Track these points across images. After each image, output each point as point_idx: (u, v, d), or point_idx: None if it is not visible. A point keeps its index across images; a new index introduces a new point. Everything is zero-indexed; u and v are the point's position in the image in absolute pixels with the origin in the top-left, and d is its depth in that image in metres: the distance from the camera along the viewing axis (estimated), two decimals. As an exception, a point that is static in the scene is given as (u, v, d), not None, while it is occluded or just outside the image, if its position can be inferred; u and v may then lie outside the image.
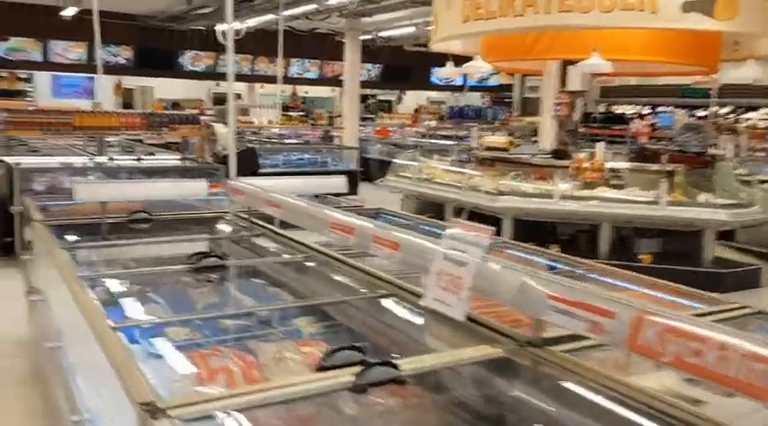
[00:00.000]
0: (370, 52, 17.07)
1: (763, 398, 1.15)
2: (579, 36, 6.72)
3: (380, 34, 16.04)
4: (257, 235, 3.31)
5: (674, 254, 6.27)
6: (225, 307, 2.39)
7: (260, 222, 3.51)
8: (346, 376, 1.52)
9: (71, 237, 3.31)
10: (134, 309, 2.32)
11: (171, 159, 7.94)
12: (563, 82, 7.70)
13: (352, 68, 13.98)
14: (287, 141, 12.04)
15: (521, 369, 1.72)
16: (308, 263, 2.75)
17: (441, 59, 20.38)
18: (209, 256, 2.57)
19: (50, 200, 5.83)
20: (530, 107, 16.87)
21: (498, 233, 6.30)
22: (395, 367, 1.57)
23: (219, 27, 13.94)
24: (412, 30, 14.31)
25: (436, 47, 7.66)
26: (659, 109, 15.94)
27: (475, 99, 20.85)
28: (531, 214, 6.19)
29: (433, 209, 7.41)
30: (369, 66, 18.70)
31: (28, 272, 3.96)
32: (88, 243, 3.15)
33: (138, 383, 1.44)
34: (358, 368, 1.53)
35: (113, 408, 1.79)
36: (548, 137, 9.04)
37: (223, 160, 7.13)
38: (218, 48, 16.99)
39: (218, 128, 7.22)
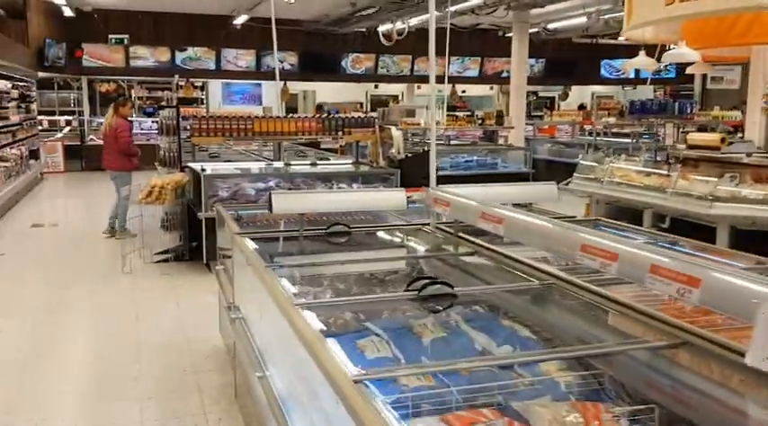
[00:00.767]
0: (533, 46, 16.29)
1: None
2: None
3: (548, 26, 15.22)
4: (470, 254, 2.90)
5: None
6: (462, 349, 2.00)
7: (467, 237, 3.11)
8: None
9: (272, 251, 3.10)
10: (361, 349, 1.99)
11: (344, 163, 7.83)
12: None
13: (519, 64, 13.31)
14: (452, 142, 11.64)
15: None
16: (550, 293, 2.29)
17: (610, 51, 19.25)
18: (434, 282, 2.18)
19: (236, 207, 5.85)
20: (715, 99, 15.26)
21: (713, 243, 5.50)
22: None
23: (382, 27, 13.96)
24: (583, 20, 13.39)
25: (630, 35, 6.87)
26: None
27: (647, 92, 19.34)
28: (757, 223, 5.32)
29: (626, 216, 6.66)
30: (531, 61, 17.89)
31: (222, 284, 3.83)
32: (293, 261, 2.91)
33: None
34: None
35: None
36: (755, 133, 7.91)
37: (398, 164, 6.88)
38: (379, 49, 17.12)
39: (393, 131, 6.96)
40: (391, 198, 3.37)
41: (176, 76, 16.29)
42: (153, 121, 14.51)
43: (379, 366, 1.93)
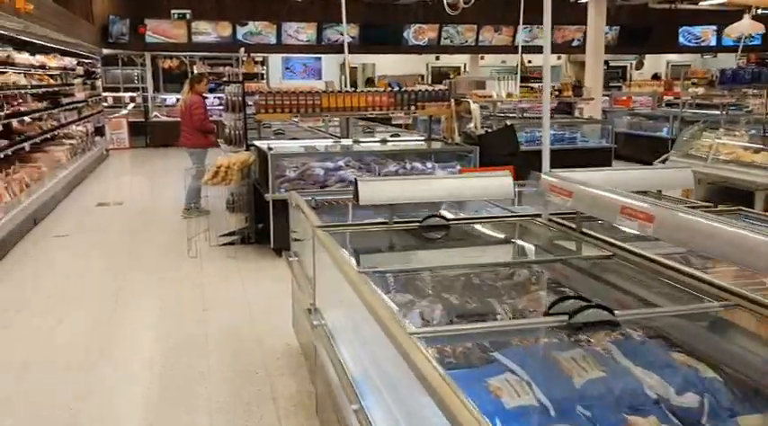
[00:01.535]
0: (607, 14, 15.33)
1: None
2: None
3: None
4: (606, 257, 2.38)
5: None
6: (629, 396, 1.53)
7: (595, 234, 2.61)
8: None
9: (358, 246, 2.66)
10: (494, 392, 1.53)
11: (416, 140, 7.34)
12: None
13: (597, 32, 12.48)
14: (526, 115, 10.97)
15: None
16: (733, 318, 1.78)
17: (690, 17, 18.03)
18: (588, 305, 1.68)
19: (305, 189, 5.45)
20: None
21: None
22: None
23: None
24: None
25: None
26: None
27: (727, 61, 18.06)
28: None
29: (733, 198, 5.99)
30: (605, 28, 16.89)
31: (298, 278, 3.43)
32: (386, 262, 2.47)
33: None
34: None
35: None
36: None
37: (477, 141, 6.34)
38: (443, 19, 16.42)
39: (471, 104, 6.41)
40: (497, 185, 2.84)
41: (242, 49, 15.99)
42: (215, 97, 14.27)
43: (522, 419, 1.48)
